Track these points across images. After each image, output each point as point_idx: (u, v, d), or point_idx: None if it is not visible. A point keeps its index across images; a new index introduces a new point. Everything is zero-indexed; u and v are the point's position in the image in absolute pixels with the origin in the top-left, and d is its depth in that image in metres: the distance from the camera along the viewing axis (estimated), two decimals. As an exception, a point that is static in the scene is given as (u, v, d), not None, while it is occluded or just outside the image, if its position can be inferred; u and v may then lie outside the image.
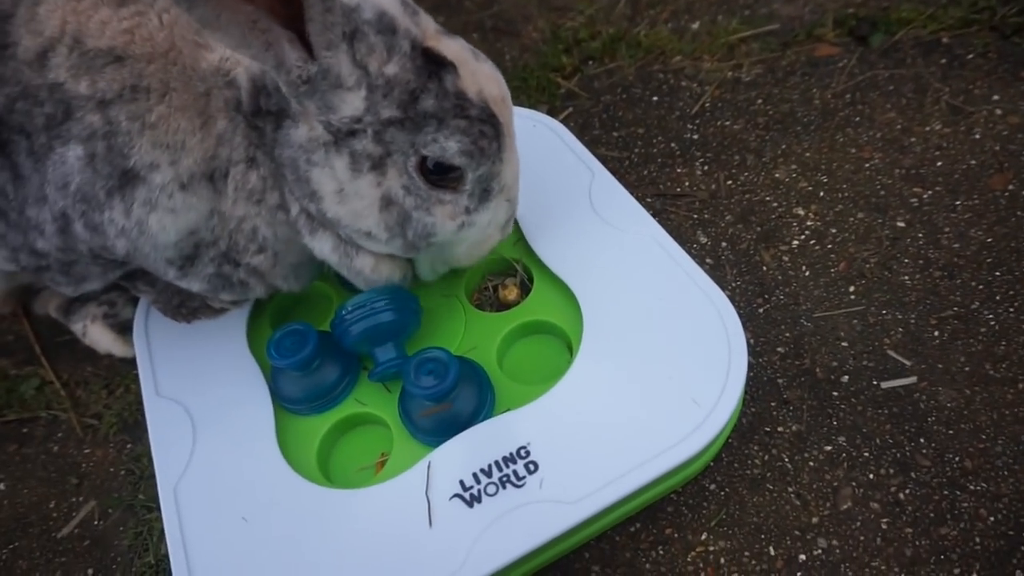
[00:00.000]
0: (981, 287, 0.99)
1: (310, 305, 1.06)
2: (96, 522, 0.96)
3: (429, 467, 0.81)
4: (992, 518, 0.79)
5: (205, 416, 0.90)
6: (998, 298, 0.98)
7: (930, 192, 1.11)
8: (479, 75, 0.76)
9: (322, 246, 0.83)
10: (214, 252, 0.85)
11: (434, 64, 0.73)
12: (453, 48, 0.75)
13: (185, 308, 1.00)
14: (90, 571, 0.92)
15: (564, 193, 1.06)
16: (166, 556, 0.85)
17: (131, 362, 1.09)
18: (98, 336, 1.10)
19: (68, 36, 0.75)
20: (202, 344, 0.99)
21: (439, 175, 0.76)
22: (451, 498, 0.78)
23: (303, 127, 0.75)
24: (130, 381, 1.08)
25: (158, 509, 0.91)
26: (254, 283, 0.90)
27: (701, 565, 0.80)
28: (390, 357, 0.89)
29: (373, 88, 0.72)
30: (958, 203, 1.09)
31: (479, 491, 0.78)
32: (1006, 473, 0.82)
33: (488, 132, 0.75)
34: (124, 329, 1.10)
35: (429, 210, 0.78)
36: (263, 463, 0.85)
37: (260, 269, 0.88)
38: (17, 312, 1.21)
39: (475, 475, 0.80)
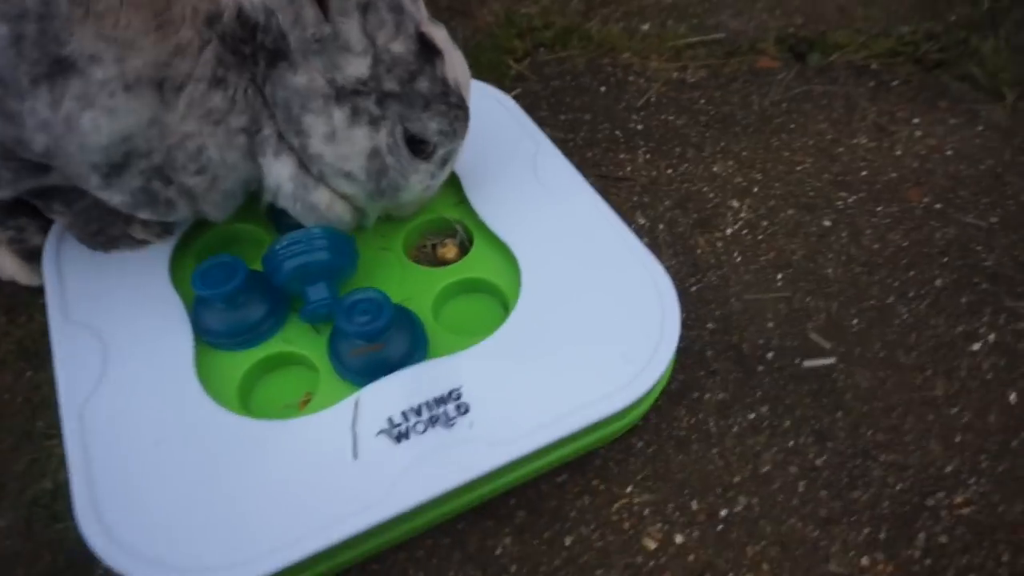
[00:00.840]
0: (897, 284, 1.04)
1: (241, 245, 1.02)
2: (-16, 451, 0.89)
3: (357, 403, 0.78)
4: (899, 485, 0.83)
5: (118, 343, 0.85)
6: (911, 295, 1.03)
7: (855, 197, 1.17)
8: (455, 64, 0.85)
9: (280, 170, 0.83)
10: (145, 164, 0.80)
11: (428, 50, 0.81)
12: (440, 36, 0.84)
13: (103, 236, 0.95)
14: (-28, 500, 0.84)
15: (509, 161, 1.07)
16: (65, 483, 0.79)
17: (37, 292, 1.02)
18: (2, 262, 1.02)
19: None
20: (120, 274, 0.94)
21: (414, 145, 0.85)
22: (378, 434, 0.76)
23: (302, 75, 0.78)
24: (34, 310, 1.01)
25: (58, 437, 0.86)
26: (182, 205, 0.85)
27: (625, 515, 0.80)
28: (322, 296, 0.86)
29: (378, 61, 0.79)
30: (879, 209, 1.15)
31: (407, 428, 0.77)
32: (913, 447, 0.86)
33: (460, 116, 0.86)
34: (31, 256, 1.03)
35: (404, 173, 0.86)
36: (179, 391, 0.81)
37: (194, 191, 0.84)
38: (-89, 235, 1.12)
39: (404, 413, 0.78)
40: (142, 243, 0.96)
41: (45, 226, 1.03)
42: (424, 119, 0.83)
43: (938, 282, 1.05)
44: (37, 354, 0.96)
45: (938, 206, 1.16)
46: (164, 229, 0.97)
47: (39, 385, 0.93)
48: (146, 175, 0.81)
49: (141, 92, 0.74)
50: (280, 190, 0.85)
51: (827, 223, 1.13)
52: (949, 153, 1.25)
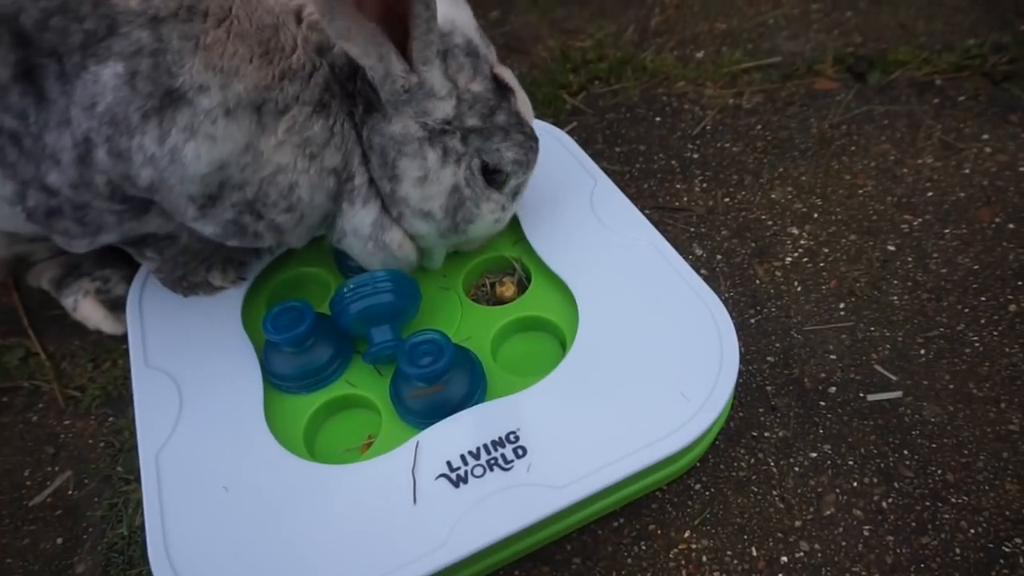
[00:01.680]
0: (967, 311, 1.01)
1: (307, 289, 1.07)
2: (70, 492, 0.94)
3: (417, 446, 0.80)
4: (972, 530, 0.80)
5: (193, 387, 0.90)
6: (983, 322, 0.99)
7: (920, 220, 1.14)
8: (523, 101, 0.92)
9: (364, 217, 0.89)
10: (238, 197, 0.82)
11: (501, 87, 0.88)
12: (508, 75, 0.91)
13: (186, 282, 1.00)
14: (59, 540, 0.90)
15: (566, 197, 1.08)
16: (140, 528, 0.84)
17: (120, 339, 1.09)
18: (89, 311, 1.09)
19: None
20: (196, 319, 0.99)
21: (487, 176, 0.91)
22: (437, 478, 0.78)
23: (397, 124, 0.84)
24: (117, 356, 1.07)
25: (136, 481, 0.91)
26: (268, 237, 0.89)
27: (683, 562, 0.80)
28: (386, 338, 0.89)
29: (461, 100, 0.85)
30: (947, 231, 1.12)
31: (466, 472, 0.78)
32: (987, 488, 0.83)
33: (533, 147, 0.93)
34: (115, 306, 1.09)
35: (478, 203, 0.91)
36: (248, 435, 0.85)
37: (282, 227, 0.87)
38: (8, 284, 1.20)
39: (463, 456, 0.79)
40: (219, 289, 1.01)
41: (128, 276, 1.09)
42: (502, 150, 0.89)
43: (1012, 307, 1.01)
44: (120, 399, 1.02)
45: (1011, 226, 1.12)
46: (238, 276, 1.01)
47: (120, 430, 0.98)
48: (238, 208, 0.84)
49: (240, 116, 0.77)
50: (356, 233, 0.90)
51: (891, 248, 1.10)
52: (1022, 169, 1.20)
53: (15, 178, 0.80)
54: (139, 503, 0.80)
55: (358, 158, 0.87)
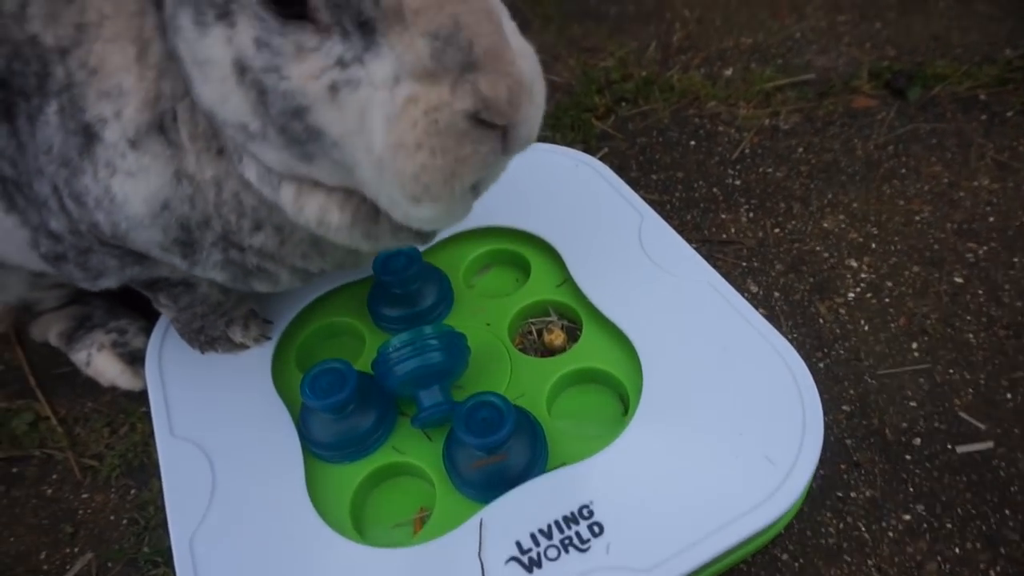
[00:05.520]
0: (1050, 348, 0.95)
1: (340, 344, 0.99)
2: (93, 576, 0.86)
3: (481, 525, 0.73)
4: (1093, 599, 0.73)
5: (226, 460, 0.82)
6: (1068, 360, 0.93)
7: (985, 248, 1.08)
8: None
9: (250, 175, 0.65)
10: (212, 236, 0.71)
11: None
12: None
13: (204, 335, 0.92)
14: (84, 633, 0.82)
15: (613, 235, 1.01)
16: (176, 620, 0.76)
17: (136, 398, 1.01)
18: (104, 365, 1.01)
19: None
20: (222, 381, 0.91)
21: (288, 4, 0.53)
22: (507, 561, 0.71)
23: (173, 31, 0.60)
24: (136, 419, 0.99)
25: (166, 564, 0.83)
26: (274, 268, 0.77)
27: (780, 644, 0.73)
28: (436, 401, 0.82)
29: None
30: (1016, 260, 1.06)
31: (539, 554, 0.71)
32: (1101, 549, 0.77)
33: None
34: (133, 360, 1.01)
35: (284, 68, 0.54)
36: (291, 515, 0.77)
37: (267, 250, 0.74)
38: (10, 338, 1.12)
39: (533, 536, 0.72)
40: (240, 346, 0.93)
41: (146, 327, 1.02)
42: None
43: (1094, 342, 0.95)
44: (142, 469, 0.94)
45: (1082, 251, 1.06)
46: (261, 333, 0.94)
47: (144, 504, 0.90)
48: (220, 246, 0.73)
49: (146, 144, 0.65)
50: (300, 215, 0.65)
51: (959, 280, 1.04)
52: (1083, 190, 1.15)
53: (28, 224, 0.75)
54: (171, 591, 0.73)
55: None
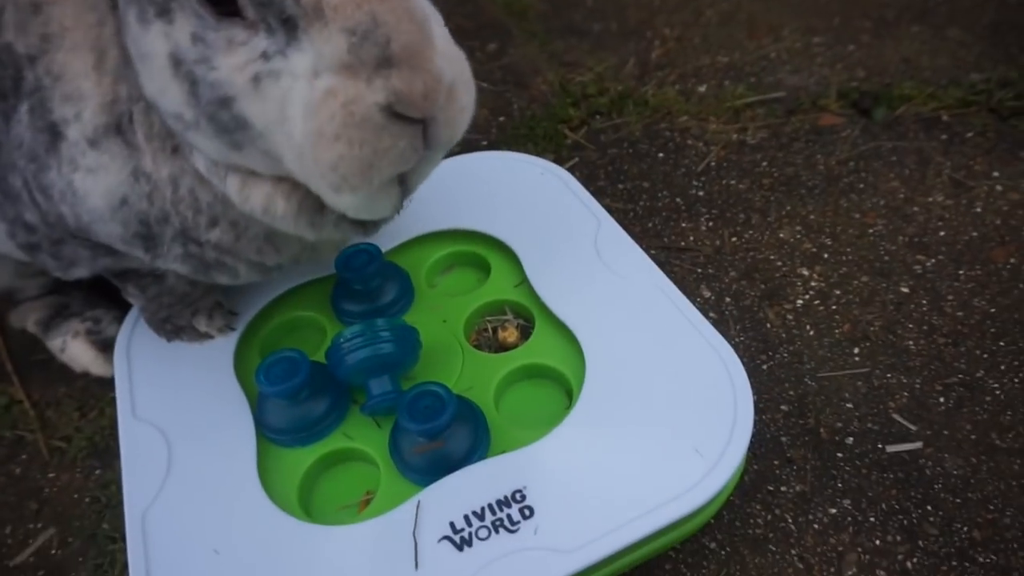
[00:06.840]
0: (985, 356, 0.98)
1: (302, 336, 1.03)
2: (54, 551, 0.90)
3: (418, 507, 0.77)
4: (1004, 593, 0.76)
5: (183, 441, 0.86)
6: (1003, 367, 0.96)
7: (933, 260, 1.11)
8: None
9: (200, 165, 0.69)
10: (171, 231, 0.76)
11: None
12: None
13: (170, 324, 0.97)
14: (42, 603, 0.85)
15: (569, 239, 1.05)
16: (128, 591, 0.80)
17: (107, 384, 1.05)
18: (78, 352, 1.05)
19: None
20: (186, 368, 0.95)
21: (222, 3, 0.57)
22: (440, 540, 0.74)
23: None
24: (105, 404, 1.03)
25: (123, 540, 0.86)
26: (231, 262, 0.81)
27: (700, 627, 0.76)
28: (385, 390, 0.85)
29: None
30: (961, 272, 1.09)
31: (470, 534, 0.74)
32: (1016, 546, 0.79)
33: None
34: (106, 347, 1.06)
35: (213, 59, 0.58)
36: (241, 494, 0.81)
37: (224, 245, 0.78)
38: (-10, 326, 1.17)
39: (467, 517, 0.75)
40: (204, 335, 0.97)
41: (120, 317, 1.06)
42: None
43: (1032, 352, 0.98)
44: (107, 450, 0.98)
45: (1026, 267, 1.09)
46: (226, 324, 0.98)
47: (107, 484, 0.94)
48: (180, 241, 0.77)
49: (105, 144, 0.70)
50: (247, 204, 0.70)
51: (905, 290, 1.08)
52: (1034, 208, 1.18)
53: (5, 218, 0.80)
54: (126, 564, 0.76)
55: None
